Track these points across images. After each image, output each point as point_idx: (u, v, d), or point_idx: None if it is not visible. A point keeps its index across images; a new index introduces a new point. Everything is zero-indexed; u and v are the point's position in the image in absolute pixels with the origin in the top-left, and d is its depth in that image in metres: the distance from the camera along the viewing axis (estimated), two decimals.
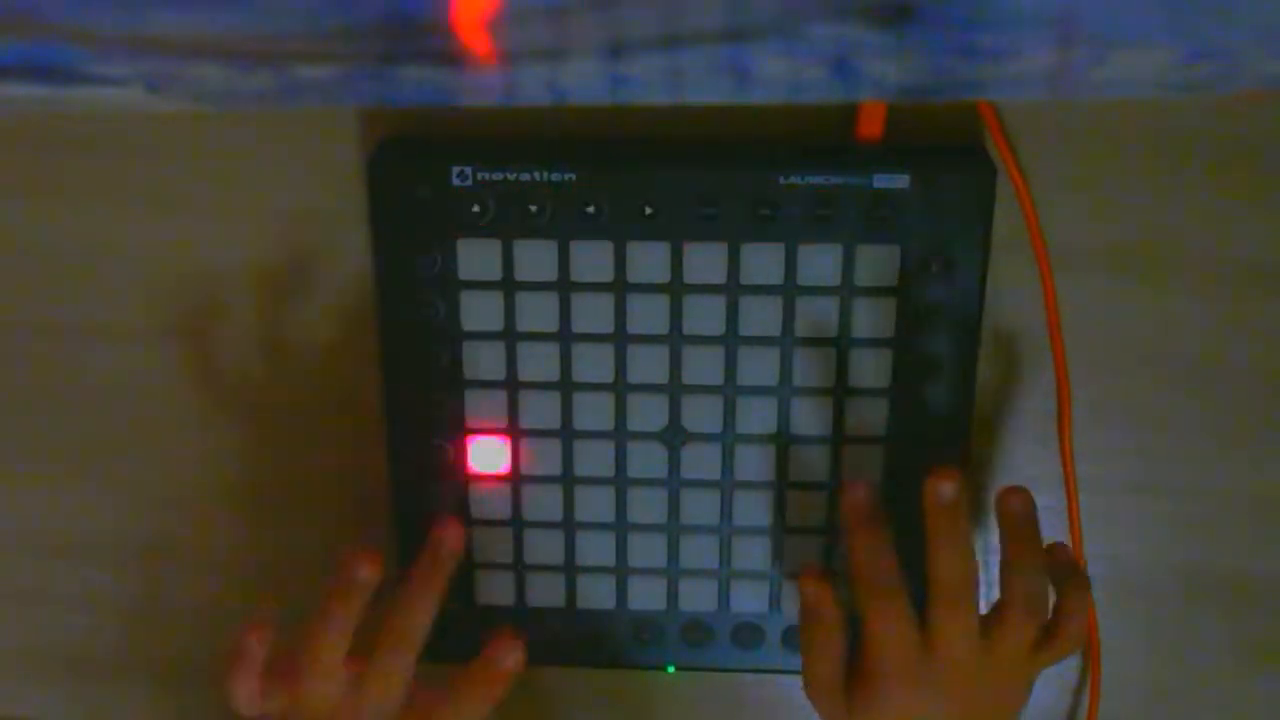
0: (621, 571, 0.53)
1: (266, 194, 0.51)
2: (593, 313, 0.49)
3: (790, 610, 0.53)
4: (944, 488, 0.45)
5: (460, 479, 0.51)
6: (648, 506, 0.52)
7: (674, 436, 0.50)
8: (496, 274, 0.48)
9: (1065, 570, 0.47)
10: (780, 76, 0.24)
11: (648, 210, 0.47)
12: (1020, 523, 0.46)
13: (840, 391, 0.49)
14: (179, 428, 0.55)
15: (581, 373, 0.50)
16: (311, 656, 0.47)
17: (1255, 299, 0.50)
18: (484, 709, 0.49)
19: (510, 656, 0.49)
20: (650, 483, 0.51)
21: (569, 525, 0.52)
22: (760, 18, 0.22)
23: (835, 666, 0.47)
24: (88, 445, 0.55)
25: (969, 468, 0.51)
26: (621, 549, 0.52)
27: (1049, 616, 0.46)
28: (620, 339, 0.49)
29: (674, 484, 0.51)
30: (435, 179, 0.47)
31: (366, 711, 0.47)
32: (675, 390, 0.50)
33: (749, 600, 0.53)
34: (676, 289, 0.48)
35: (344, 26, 0.22)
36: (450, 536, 0.49)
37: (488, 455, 0.51)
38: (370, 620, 0.47)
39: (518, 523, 0.52)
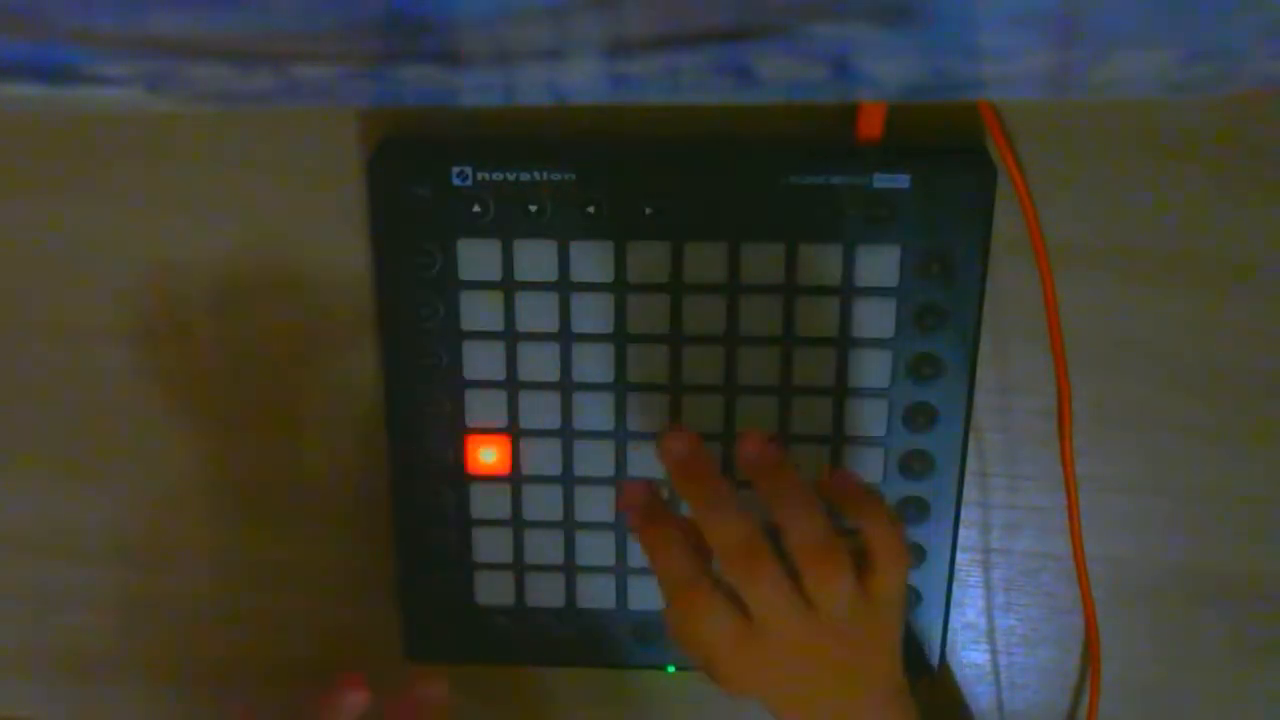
0: (621, 571, 0.53)
1: (266, 194, 0.51)
2: (593, 313, 0.49)
3: None
4: (674, 445, 0.44)
5: (460, 479, 0.51)
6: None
7: None
8: (496, 274, 0.48)
9: (854, 494, 0.44)
10: (780, 76, 0.24)
11: (648, 210, 0.47)
12: (764, 460, 0.44)
13: (840, 391, 0.49)
14: (179, 428, 0.55)
15: (581, 373, 0.50)
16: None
17: (1255, 299, 0.50)
18: None
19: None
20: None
21: (569, 525, 0.52)
22: (760, 18, 0.22)
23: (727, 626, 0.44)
24: (87, 445, 0.55)
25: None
26: (621, 549, 0.52)
27: (841, 545, 0.43)
28: (620, 339, 0.49)
29: None
30: (435, 179, 0.47)
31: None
32: (675, 390, 0.50)
33: None
34: (676, 289, 0.48)
35: (344, 26, 0.22)
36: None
37: (488, 455, 0.51)
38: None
39: (518, 523, 0.52)
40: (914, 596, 0.52)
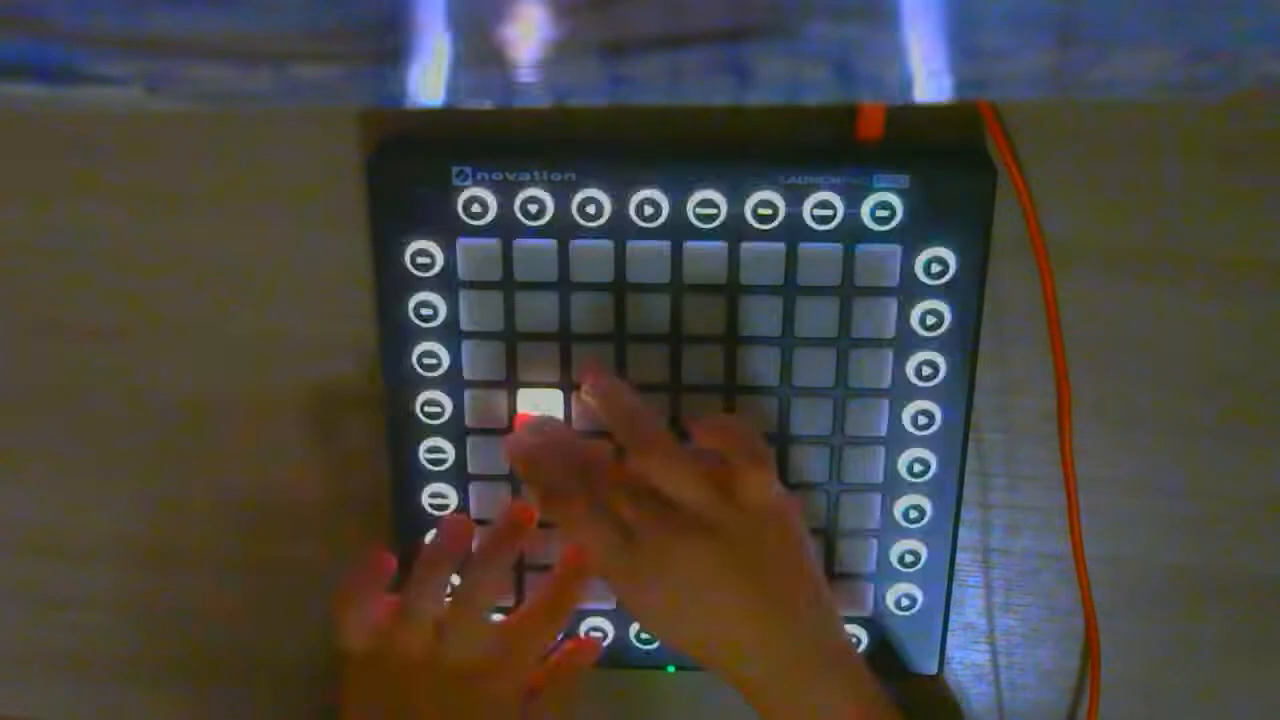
0: None
1: (266, 194, 0.51)
2: (593, 313, 0.49)
3: None
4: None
5: (460, 479, 0.51)
6: None
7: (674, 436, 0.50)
8: (496, 274, 0.48)
9: (700, 430, 0.46)
10: (780, 76, 0.24)
11: (648, 210, 0.47)
12: (610, 392, 0.48)
13: (840, 392, 0.49)
14: (179, 427, 0.55)
15: (582, 373, 0.49)
16: (420, 591, 0.48)
17: (1255, 299, 0.50)
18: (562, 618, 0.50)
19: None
20: None
21: None
22: (760, 18, 0.22)
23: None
24: (88, 445, 0.55)
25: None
26: None
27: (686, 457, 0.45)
28: (620, 339, 0.49)
29: None
30: (435, 179, 0.47)
31: (448, 658, 0.48)
32: (675, 390, 0.50)
33: None
34: (676, 289, 0.48)
35: (344, 26, 0.22)
36: (524, 518, 0.50)
37: (488, 455, 0.51)
38: None
39: None
40: (913, 597, 0.52)
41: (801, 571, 0.46)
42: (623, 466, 0.46)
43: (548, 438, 0.49)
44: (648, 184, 0.47)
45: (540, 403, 0.50)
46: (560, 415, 0.50)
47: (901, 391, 0.49)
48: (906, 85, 0.24)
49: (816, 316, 0.48)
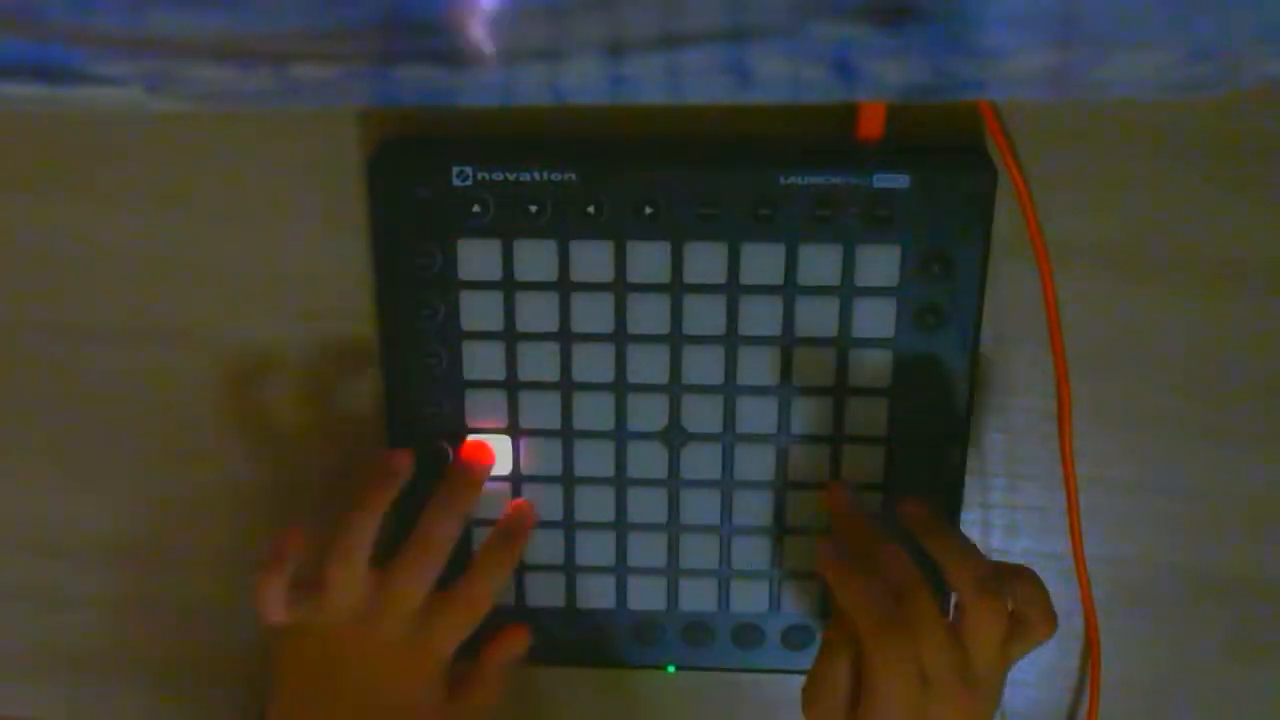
0: (621, 571, 0.53)
1: (266, 194, 0.51)
2: (593, 313, 0.49)
3: (790, 610, 0.53)
4: (840, 496, 0.49)
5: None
6: (648, 506, 0.51)
7: (674, 436, 0.50)
8: (496, 274, 0.48)
9: (1006, 568, 0.47)
10: (780, 76, 0.24)
11: (648, 210, 0.47)
12: (930, 522, 0.47)
13: (840, 391, 0.49)
14: (179, 427, 0.55)
15: (581, 373, 0.50)
16: (340, 553, 0.48)
17: (1256, 299, 0.50)
18: (503, 574, 0.50)
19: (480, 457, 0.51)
20: (650, 483, 0.51)
21: (569, 525, 0.52)
22: (760, 18, 0.22)
23: (840, 699, 0.46)
24: (87, 445, 0.55)
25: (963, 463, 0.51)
26: (621, 549, 0.52)
27: (1005, 609, 0.45)
28: (620, 339, 0.49)
29: (674, 484, 0.51)
30: (435, 179, 0.47)
31: (389, 614, 0.48)
32: (675, 390, 0.50)
33: (749, 600, 0.53)
34: (676, 289, 0.48)
35: (344, 26, 0.22)
36: (483, 458, 0.50)
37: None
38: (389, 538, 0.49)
39: None
40: None
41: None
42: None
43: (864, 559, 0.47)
44: (648, 184, 0.47)
45: (540, 403, 0.50)
46: (559, 416, 0.50)
47: (901, 391, 0.49)
48: (906, 85, 0.24)
49: (816, 316, 0.48)
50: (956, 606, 0.45)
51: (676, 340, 0.49)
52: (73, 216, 0.52)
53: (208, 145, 0.50)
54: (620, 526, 0.52)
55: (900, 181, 0.46)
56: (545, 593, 0.53)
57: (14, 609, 0.59)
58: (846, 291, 0.48)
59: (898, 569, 0.45)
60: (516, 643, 0.53)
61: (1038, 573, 0.46)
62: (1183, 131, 0.48)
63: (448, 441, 0.51)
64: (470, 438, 0.51)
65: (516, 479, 0.51)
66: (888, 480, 0.50)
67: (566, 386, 0.50)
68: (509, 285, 0.48)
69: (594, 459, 0.51)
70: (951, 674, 0.44)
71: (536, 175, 0.47)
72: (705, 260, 0.48)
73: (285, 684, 0.50)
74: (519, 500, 0.51)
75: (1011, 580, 0.45)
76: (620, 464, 0.51)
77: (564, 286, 0.48)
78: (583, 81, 0.24)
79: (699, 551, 0.52)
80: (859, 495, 0.50)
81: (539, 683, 0.58)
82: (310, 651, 0.49)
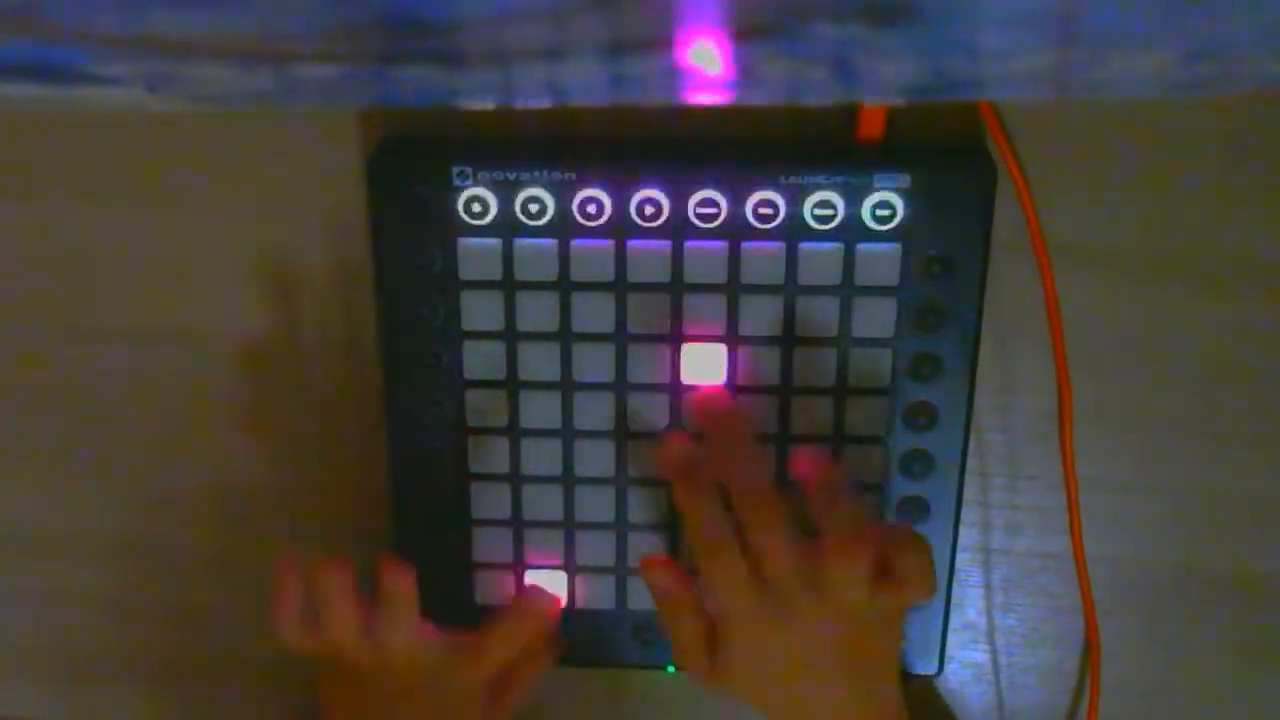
0: (621, 571, 0.53)
1: (266, 194, 0.51)
2: (593, 313, 0.49)
3: None
4: (672, 449, 0.48)
5: (460, 479, 0.51)
6: (648, 507, 0.51)
7: None
8: (497, 274, 0.48)
9: (890, 525, 0.47)
10: (780, 76, 0.24)
11: (648, 210, 0.47)
12: (822, 482, 0.47)
13: (840, 391, 0.49)
14: (179, 427, 0.55)
15: (581, 373, 0.50)
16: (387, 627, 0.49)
17: (1255, 299, 0.50)
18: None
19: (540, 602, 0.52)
20: (650, 483, 0.51)
21: (569, 525, 0.52)
22: (760, 18, 0.22)
23: (696, 636, 0.47)
24: (87, 445, 0.55)
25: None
26: (621, 549, 0.52)
27: (869, 546, 0.44)
28: (620, 339, 0.49)
29: None
30: (435, 179, 0.47)
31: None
32: (675, 391, 0.50)
33: None
34: (676, 289, 0.48)
35: (344, 26, 0.22)
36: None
37: (488, 455, 0.51)
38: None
39: (518, 522, 0.52)
40: None
41: (894, 678, 0.47)
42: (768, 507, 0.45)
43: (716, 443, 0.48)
44: (648, 184, 0.47)
45: (540, 403, 0.50)
46: (559, 416, 0.50)
47: (901, 391, 0.49)
48: (906, 85, 0.24)
49: (816, 316, 0.48)
50: (816, 542, 0.44)
51: (676, 340, 0.49)
52: (73, 216, 0.52)
53: (208, 145, 0.50)
54: (620, 526, 0.52)
55: (900, 181, 0.46)
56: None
57: (14, 609, 0.59)
58: (846, 291, 0.48)
59: (746, 473, 0.45)
60: (550, 650, 0.54)
61: (923, 536, 0.46)
62: (1183, 131, 0.48)
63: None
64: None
65: (517, 478, 0.51)
66: (887, 480, 0.50)
67: (566, 386, 0.50)
68: (509, 285, 0.48)
69: (594, 459, 0.51)
70: (796, 582, 0.44)
71: (536, 175, 0.47)
72: (705, 260, 0.48)
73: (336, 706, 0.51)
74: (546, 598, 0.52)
75: (891, 533, 0.45)
76: (620, 463, 0.51)
77: (564, 286, 0.48)
78: (583, 81, 0.24)
79: None
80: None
81: (539, 683, 0.58)
82: (351, 688, 0.50)
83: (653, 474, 0.51)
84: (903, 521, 0.49)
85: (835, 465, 0.49)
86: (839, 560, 0.43)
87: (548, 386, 0.50)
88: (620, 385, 0.50)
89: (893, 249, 0.47)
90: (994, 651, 0.56)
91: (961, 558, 0.53)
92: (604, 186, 0.47)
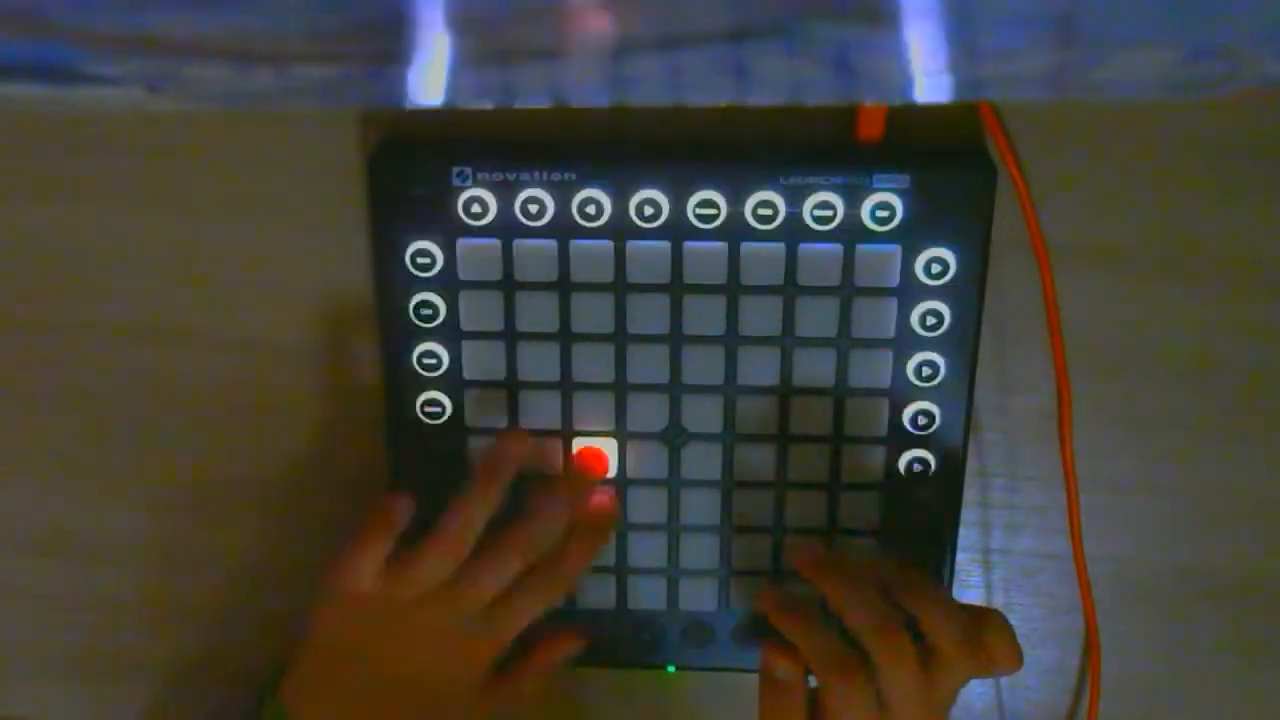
0: (621, 571, 0.53)
1: (266, 194, 0.51)
2: (593, 313, 0.49)
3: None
4: (802, 553, 0.50)
5: (461, 479, 0.51)
6: (648, 506, 0.51)
7: (674, 436, 0.50)
8: (496, 274, 0.48)
9: (977, 613, 0.47)
10: (780, 76, 0.24)
11: (648, 210, 0.47)
12: (904, 575, 0.48)
13: (840, 391, 0.49)
14: (179, 427, 0.55)
15: (581, 373, 0.50)
16: (448, 537, 0.48)
17: (1255, 299, 0.50)
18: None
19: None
20: (650, 483, 0.51)
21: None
22: (760, 18, 0.22)
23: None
24: (87, 445, 0.55)
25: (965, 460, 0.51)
26: (621, 549, 0.52)
27: (977, 653, 0.46)
28: (620, 339, 0.49)
29: (674, 484, 0.51)
30: (435, 179, 0.47)
31: (464, 601, 0.49)
32: (675, 390, 0.50)
33: (749, 600, 0.53)
34: (676, 289, 0.48)
35: (344, 26, 0.22)
36: (516, 446, 0.51)
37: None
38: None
39: None
40: None
41: None
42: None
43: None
44: (648, 184, 0.47)
45: (540, 403, 0.50)
46: (559, 416, 0.50)
47: (901, 391, 0.49)
48: (906, 85, 0.24)
49: (816, 316, 0.48)
50: (929, 648, 0.46)
51: (676, 340, 0.49)
52: (73, 216, 0.52)
53: (208, 145, 0.50)
54: (620, 526, 0.52)
55: (900, 181, 0.46)
56: None
57: (14, 609, 0.59)
58: (846, 292, 0.48)
59: (867, 610, 0.46)
60: (568, 646, 0.53)
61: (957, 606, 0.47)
62: (1183, 132, 0.48)
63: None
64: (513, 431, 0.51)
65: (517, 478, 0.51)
66: (887, 480, 0.50)
67: (566, 386, 0.50)
68: (509, 285, 0.48)
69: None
70: (916, 704, 0.46)
71: (536, 175, 0.47)
72: (705, 260, 0.48)
73: (319, 652, 0.50)
74: (605, 493, 0.51)
75: (981, 623, 0.46)
76: (620, 464, 0.51)
77: (564, 286, 0.48)
78: (583, 81, 0.24)
79: (699, 551, 0.52)
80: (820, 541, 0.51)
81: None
82: (361, 621, 0.49)
83: (652, 474, 0.51)
84: (985, 608, 0.49)
85: (906, 564, 0.50)
86: (956, 676, 0.46)
87: (547, 387, 0.50)
88: (620, 385, 0.50)
89: (892, 249, 0.47)
90: None
91: (961, 558, 0.53)
92: (604, 187, 0.47)
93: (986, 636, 0.46)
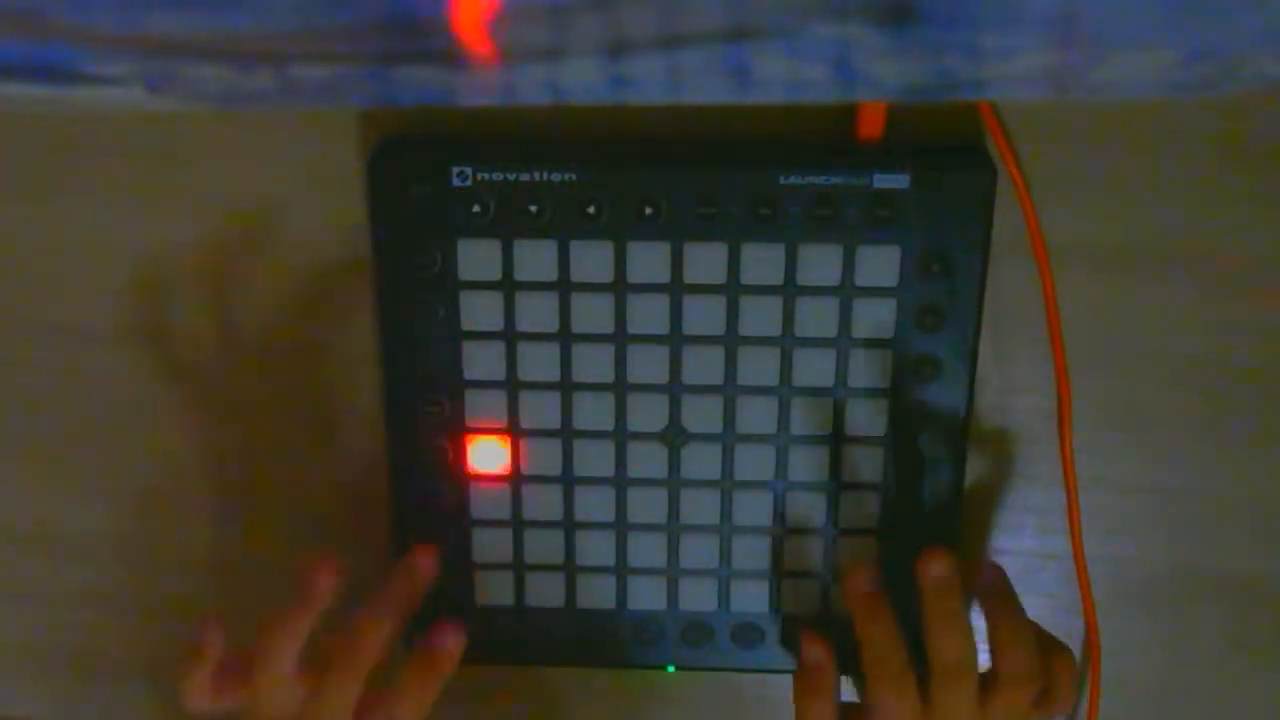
0: (621, 571, 0.53)
1: (267, 194, 0.51)
2: (593, 313, 0.49)
3: (789, 608, 0.53)
4: (936, 567, 0.47)
5: (460, 479, 0.51)
6: (648, 506, 0.52)
7: (674, 436, 0.50)
8: (496, 274, 0.48)
9: (1048, 640, 0.48)
10: (780, 76, 0.24)
11: (648, 210, 0.47)
12: (997, 590, 0.48)
13: (840, 392, 0.49)
14: (178, 427, 0.55)
15: (581, 373, 0.50)
16: (264, 659, 0.47)
17: (1255, 299, 0.50)
18: (430, 695, 0.49)
19: (450, 639, 0.50)
20: (650, 483, 0.51)
21: (569, 525, 0.52)
22: (760, 18, 0.22)
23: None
24: (87, 445, 0.55)
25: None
26: (621, 549, 0.52)
27: (1038, 682, 0.46)
28: (620, 339, 0.49)
29: (674, 484, 0.51)
30: (435, 179, 0.47)
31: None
32: (675, 390, 0.50)
33: (749, 600, 0.53)
34: (676, 289, 0.48)
35: (344, 26, 0.22)
36: (424, 565, 0.50)
37: (488, 455, 0.51)
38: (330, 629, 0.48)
39: (518, 523, 0.52)
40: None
41: None
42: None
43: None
44: (648, 184, 0.47)
45: (540, 403, 0.50)
46: (559, 416, 0.50)
47: (901, 392, 0.49)
48: (906, 85, 0.24)
49: (816, 316, 0.48)
50: (991, 674, 0.47)
51: (676, 340, 0.49)
52: (73, 216, 0.52)
53: (208, 145, 0.50)
54: (620, 526, 0.52)
55: (900, 181, 0.46)
56: (545, 593, 0.53)
57: (12, 609, 0.59)
58: (846, 291, 0.48)
59: (947, 647, 0.46)
60: (451, 646, 0.50)
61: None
62: (1183, 131, 0.48)
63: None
64: (423, 547, 0.51)
65: (517, 479, 0.51)
66: (886, 481, 0.50)
67: (566, 386, 0.50)
68: (509, 285, 0.48)
69: (594, 459, 0.51)
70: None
71: (536, 175, 0.47)
72: (705, 260, 0.48)
73: None
74: (445, 625, 0.50)
75: (1049, 657, 0.47)
76: (620, 464, 0.51)
77: (564, 286, 0.48)
78: (583, 81, 0.24)
79: (699, 551, 0.52)
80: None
81: (539, 683, 0.58)
82: None
83: (652, 474, 0.51)
84: (1058, 641, 0.49)
85: (1002, 576, 0.50)
86: (1010, 703, 0.46)
87: (547, 387, 0.50)
88: (620, 385, 0.50)
89: (892, 249, 0.47)
90: None
91: (962, 558, 0.53)
92: (604, 186, 0.47)
93: (1052, 662, 0.46)
